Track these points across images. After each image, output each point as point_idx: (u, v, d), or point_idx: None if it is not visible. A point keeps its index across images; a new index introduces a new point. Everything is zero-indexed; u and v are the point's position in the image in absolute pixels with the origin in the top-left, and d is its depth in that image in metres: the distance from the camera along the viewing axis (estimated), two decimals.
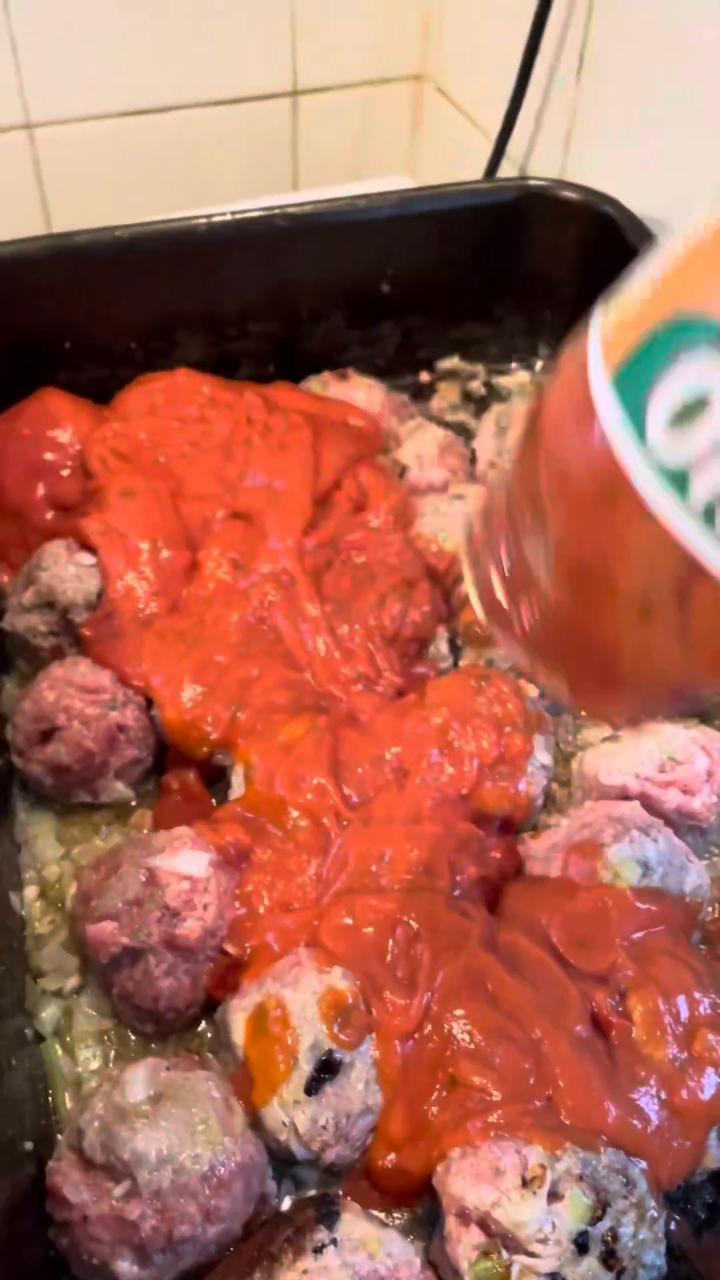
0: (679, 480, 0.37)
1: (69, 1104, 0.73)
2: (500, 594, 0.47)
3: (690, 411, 0.37)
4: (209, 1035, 0.76)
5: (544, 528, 0.44)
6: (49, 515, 1.03)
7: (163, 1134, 0.64)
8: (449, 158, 1.72)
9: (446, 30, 1.62)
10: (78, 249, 1.08)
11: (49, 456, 1.04)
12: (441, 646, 0.95)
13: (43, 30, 1.44)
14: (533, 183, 1.20)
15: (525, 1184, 0.62)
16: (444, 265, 1.20)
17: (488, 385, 1.27)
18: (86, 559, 0.95)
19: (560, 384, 0.43)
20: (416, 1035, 0.69)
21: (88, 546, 0.95)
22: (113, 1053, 0.75)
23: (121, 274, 1.10)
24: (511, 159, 1.44)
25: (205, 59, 1.58)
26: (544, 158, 1.35)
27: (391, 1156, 0.67)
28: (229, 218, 1.10)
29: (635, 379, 0.39)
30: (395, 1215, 0.69)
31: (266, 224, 1.11)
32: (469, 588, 0.49)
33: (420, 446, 1.09)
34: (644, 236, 1.08)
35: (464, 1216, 0.63)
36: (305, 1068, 0.67)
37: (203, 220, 1.09)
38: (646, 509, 0.38)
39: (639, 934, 0.73)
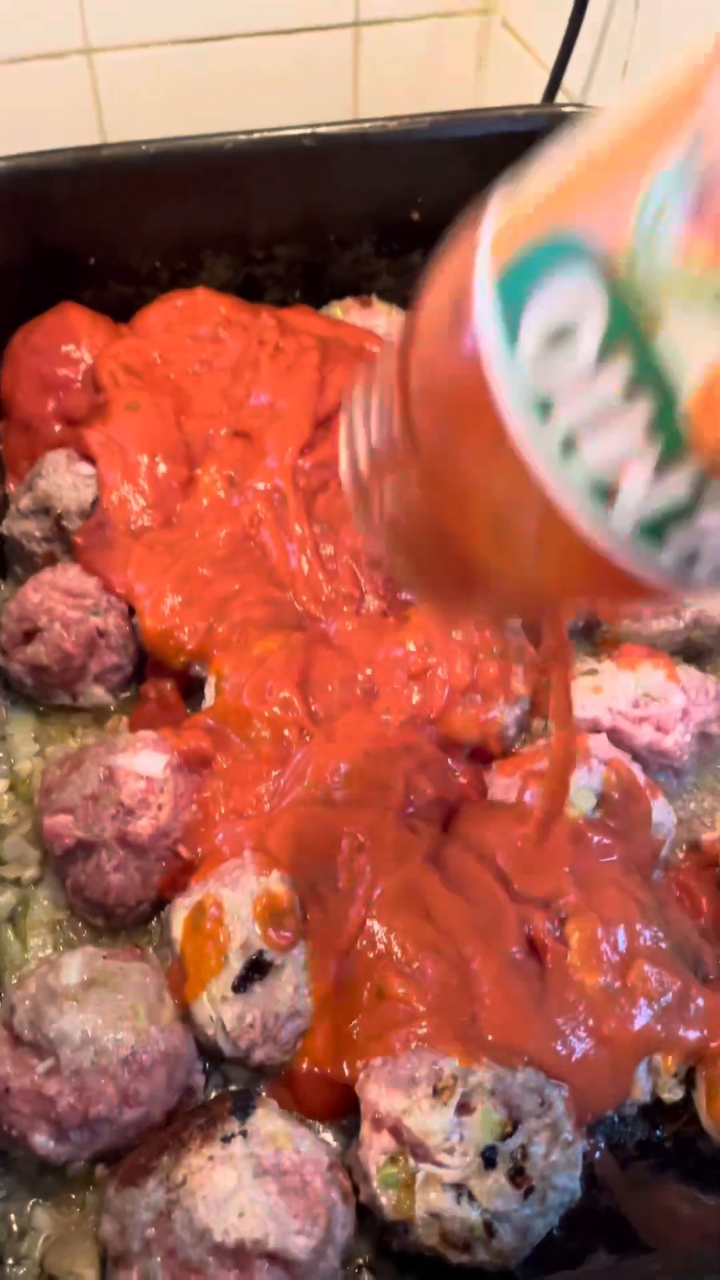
0: (543, 406, 0.35)
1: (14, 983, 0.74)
2: (365, 468, 0.45)
3: (559, 337, 0.34)
4: (158, 933, 0.77)
5: (409, 421, 0.41)
6: (58, 428, 1.04)
7: (89, 1017, 0.65)
8: (513, 96, 1.67)
9: None
10: (103, 163, 1.08)
11: (62, 371, 1.05)
12: None
13: None
14: (569, 109, 1.16)
15: (436, 1094, 0.62)
16: (478, 193, 1.17)
17: None
18: (85, 469, 0.96)
19: (448, 267, 0.40)
20: (351, 950, 0.69)
21: (88, 457, 0.96)
22: (62, 942, 0.77)
23: (147, 191, 1.10)
24: (568, 91, 1.39)
25: None
26: (601, 90, 1.30)
27: (313, 1065, 0.67)
28: (255, 137, 1.08)
29: (514, 289, 0.36)
30: (323, 1130, 0.69)
31: (293, 144, 1.09)
32: (341, 450, 0.46)
33: None
34: None
35: (377, 1123, 0.63)
36: (235, 965, 0.67)
37: (228, 138, 1.08)
38: (505, 430, 0.36)
39: (588, 863, 0.71)
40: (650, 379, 0.33)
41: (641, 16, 1.32)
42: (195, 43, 1.60)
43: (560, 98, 1.41)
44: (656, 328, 0.32)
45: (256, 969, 0.67)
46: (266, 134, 1.09)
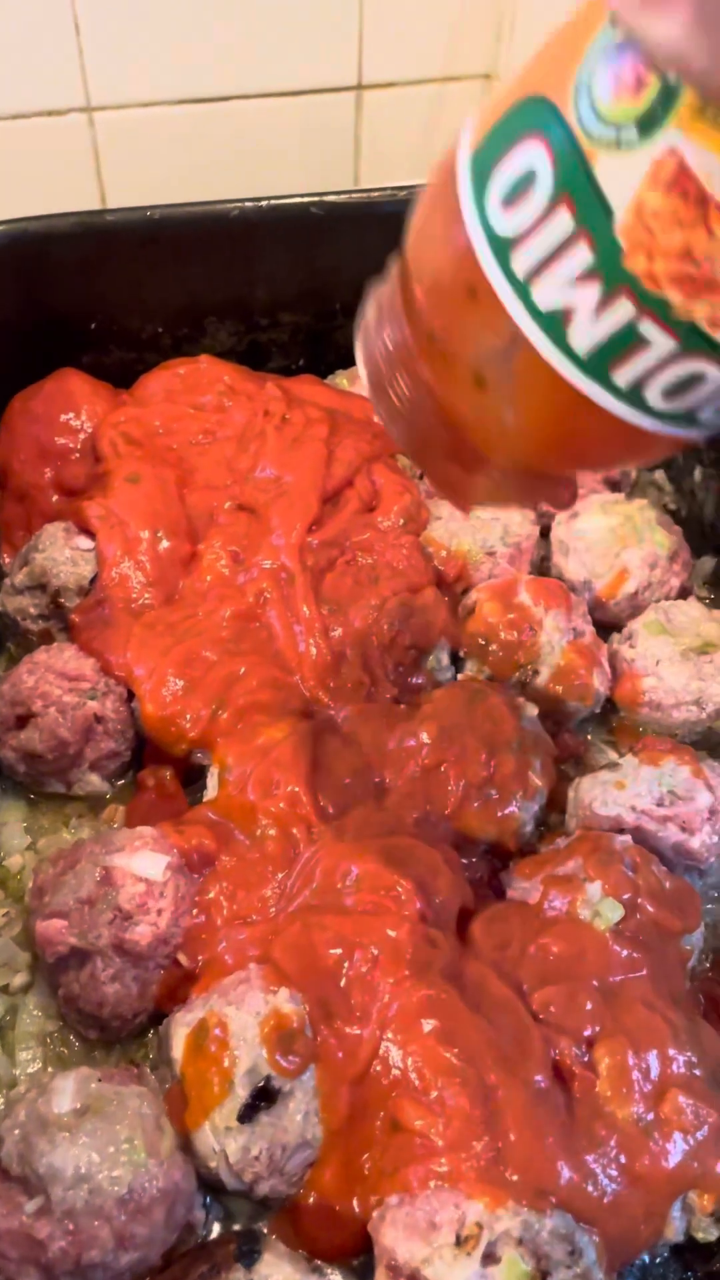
0: (505, 248, 0.43)
1: (1, 1106, 0.70)
2: (382, 368, 0.51)
3: (521, 187, 0.42)
4: (155, 1047, 0.72)
5: (411, 299, 0.48)
6: (55, 498, 1.01)
7: (82, 1150, 0.60)
8: None
9: (519, 28, 1.57)
10: (106, 227, 1.06)
11: (60, 440, 1.02)
12: (442, 657, 0.90)
13: (106, 13, 1.42)
14: None
15: (459, 1243, 0.57)
16: None
17: None
18: (84, 543, 0.92)
19: (443, 155, 0.47)
20: (364, 1075, 0.64)
21: (87, 531, 0.93)
22: (53, 1056, 0.72)
23: (150, 256, 1.08)
24: None
25: (267, 48, 1.54)
26: None
27: (321, 1201, 0.62)
28: (262, 204, 1.06)
29: (487, 155, 0.43)
30: (330, 1271, 0.64)
31: (300, 212, 1.08)
32: (359, 363, 0.52)
33: None
34: None
35: (393, 1270, 0.59)
36: (240, 1093, 0.63)
37: (235, 205, 1.06)
38: (480, 274, 0.43)
39: (615, 979, 0.67)
40: (589, 218, 0.40)
41: None
42: (196, 103, 1.59)
43: None
44: (593, 166, 0.40)
45: (264, 1097, 0.63)
46: (273, 201, 1.08)
